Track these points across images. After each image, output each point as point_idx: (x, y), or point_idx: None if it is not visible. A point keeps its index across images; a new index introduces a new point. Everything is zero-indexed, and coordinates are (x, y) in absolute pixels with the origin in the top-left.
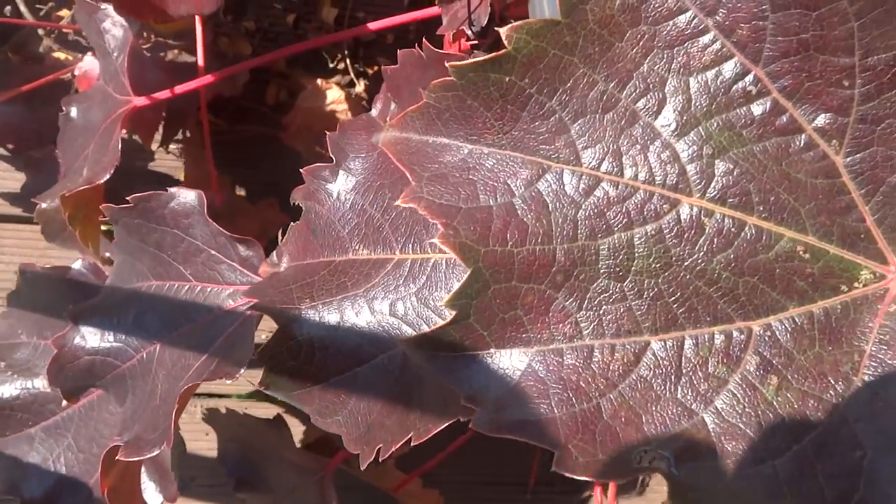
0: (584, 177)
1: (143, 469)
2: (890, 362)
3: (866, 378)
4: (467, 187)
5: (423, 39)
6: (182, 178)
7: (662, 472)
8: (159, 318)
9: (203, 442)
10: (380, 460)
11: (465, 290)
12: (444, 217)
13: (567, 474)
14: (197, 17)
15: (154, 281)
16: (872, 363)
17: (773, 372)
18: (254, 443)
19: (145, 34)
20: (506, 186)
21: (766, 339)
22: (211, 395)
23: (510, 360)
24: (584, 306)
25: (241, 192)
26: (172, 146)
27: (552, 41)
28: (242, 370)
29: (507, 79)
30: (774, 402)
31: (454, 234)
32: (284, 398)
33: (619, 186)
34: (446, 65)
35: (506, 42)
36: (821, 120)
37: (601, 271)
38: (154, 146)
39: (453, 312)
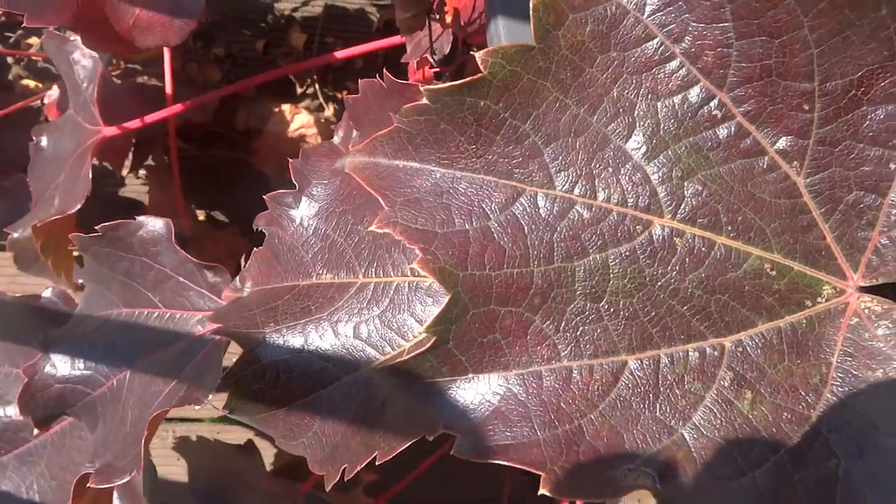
0: (557, 200)
1: (114, 496)
2: (855, 373)
3: (835, 389)
4: (442, 212)
5: (385, 69)
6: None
7: (648, 489)
8: (129, 345)
9: (175, 467)
10: (345, 480)
11: (445, 316)
12: (421, 242)
13: (555, 496)
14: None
15: (124, 308)
16: (839, 374)
17: (747, 386)
18: (225, 471)
19: (115, 61)
20: (481, 210)
21: (738, 354)
22: (183, 420)
23: (489, 385)
24: (562, 328)
25: (211, 216)
26: (142, 171)
27: (526, 66)
28: (211, 395)
29: (482, 103)
30: (750, 416)
31: (433, 258)
32: (249, 422)
33: (593, 209)
34: (421, 89)
35: (481, 66)
36: (782, 142)
37: (577, 293)
38: (124, 171)
39: (431, 338)
